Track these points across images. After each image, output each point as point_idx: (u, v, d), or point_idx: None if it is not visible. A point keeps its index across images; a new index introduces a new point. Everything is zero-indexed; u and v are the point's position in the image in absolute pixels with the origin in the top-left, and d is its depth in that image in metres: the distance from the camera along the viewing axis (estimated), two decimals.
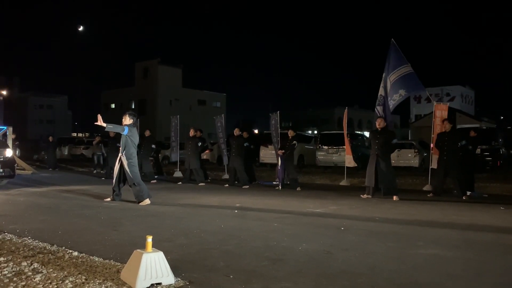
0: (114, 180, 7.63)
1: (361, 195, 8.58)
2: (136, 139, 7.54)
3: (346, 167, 12.22)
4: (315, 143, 19.92)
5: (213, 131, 42.67)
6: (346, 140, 12.08)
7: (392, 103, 9.47)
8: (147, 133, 13.19)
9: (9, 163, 10.02)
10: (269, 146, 18.33)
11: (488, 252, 4.15)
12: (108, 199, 7.68)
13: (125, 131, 7.31)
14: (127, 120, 7.52)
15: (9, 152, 10.22)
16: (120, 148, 7.51)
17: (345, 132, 12.42)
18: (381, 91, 9.77)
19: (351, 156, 11.85)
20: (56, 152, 19.55)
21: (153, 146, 13.26)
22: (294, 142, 10.65)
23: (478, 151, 13.90)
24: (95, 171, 16.26)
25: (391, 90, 9.52)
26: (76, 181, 12.19)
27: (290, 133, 10.82)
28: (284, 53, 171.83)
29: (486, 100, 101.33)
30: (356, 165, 11.92)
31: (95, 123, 7.05)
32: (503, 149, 18.29)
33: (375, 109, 9.91)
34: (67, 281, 3.03)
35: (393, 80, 9.54)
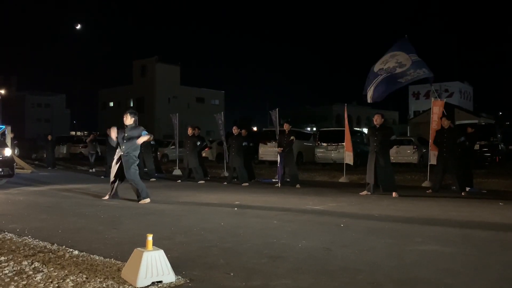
0: (111, 178, 7.64)
1: (360, 193, 8.59)
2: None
3: (345, 164, 12.24)
4: (314, 140, 19.95)
5: (211, 129, 42.80)
6: (347, 137, 12.05)
7: (417, 74, 9.69)
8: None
9: (8, 162, 10.01)
10: (268, 144, 18.38)
11: (487, 248, 4.17)
12: (106, 197, 7.68)
13: (144, 133, 7.51)
14: (129, 119, 7.52)
15: (8, 151, 10.21)
16: (120, 147, 7.49)
17: (346, 128, 12.40)
18: (384, 65, 9.92)
19: (351, 153, 11.84)
20: (54, 151, 19.52)
21: (152, 142, 13.24)
22: (292, 138, 10.66)
23: (477, 147, 13.96)
24: (92, 170, 16.23)
25: (413, 65, 9.73)
26: (75, 180, 12.18)
27: (286, 127, 10.83)
28: (281, 51, 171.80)
29: (485, 96, 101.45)
30: (352, 163, 11.94)
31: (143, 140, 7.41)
32: (501, 145, 18.34)
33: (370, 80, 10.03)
34: (68, 280, 3.04)
35: (414, 60, 9.80)
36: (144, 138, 7.44)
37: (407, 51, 9.96)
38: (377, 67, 10.07)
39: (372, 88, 9.87)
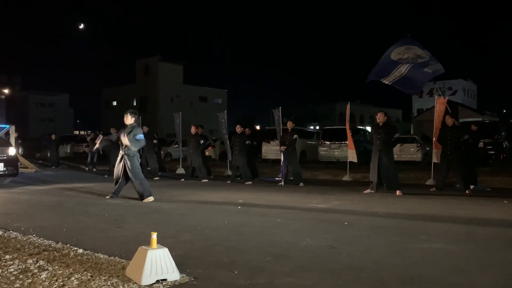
0: (115, 178, 7.65)
1: (363, 191, 8.57)
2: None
3: (349, 162, 12.22)
4: (317, 138, 19.92)
5: (214, 128, 43.04)
6: (349, 135, 12.06)
7: (437, 66, 9.83)
8: (145, 129, 13.12)
9: (12, 162, 10.06)
10: (271, 142, 18.37)
11: (492, 245, 4.15)
12: (108, 197, 7.69)
13: (142, 137, 7.50)
14: (129, 119, 7.54)
15: (12, 151, 10.26)
16: (121, 146, 7.52)
17: (347, 127, 12.39)
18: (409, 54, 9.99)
19: (354, 151, 11.84)
20: (58, 150, 19.55)
21: (155, 141, 13.25)
22: (295, 136, 10.64)
23: (481, 145, 13.90)
24: (87, 169, 16.07)
25: (431, 58, 9.85)
26: (79, 179, 12.22)
27: (289, 124, 10.82)
28: (284, 49, 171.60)
29: (489, 93, 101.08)
30: (356, 161, 11.93)
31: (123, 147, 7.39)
32: (505, 143, 18.25)
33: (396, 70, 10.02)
34: (73, 278, 3.05)
35: (429, 54, 9.91)
36: (126, 141, 7.32)
37: (420, 46, 10.04)
38: (394, 56, 9.98)
39: (401, 73, 9.81)
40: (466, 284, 2.99)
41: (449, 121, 9.00)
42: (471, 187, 8.89)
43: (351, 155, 11.86)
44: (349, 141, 12.02)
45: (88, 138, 17.49)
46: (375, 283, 3.00)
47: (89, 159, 16.69)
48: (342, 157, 16.17)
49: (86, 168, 16.20)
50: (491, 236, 4.58)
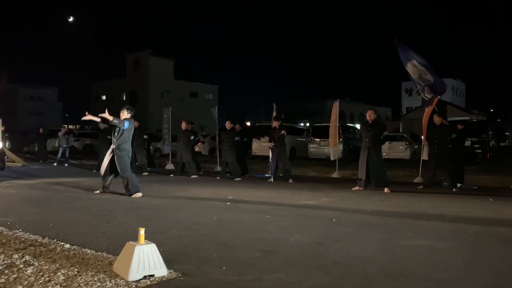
0: (103, 172, 7.59)
1: (352, 188, 8.62)
2: (131, 134, 7.54)
3: (338, 159, 12.30)
4: (307, 135, 19.98)
5: (205, 124, 42.76)
6: (331, 133, 12.26)
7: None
8: (136, 124, 12.97)
9: None
10: (261, 139, 18.39)
11: (478, 242, 4.21)
12: (98, 191, 7.63)
13: (126, 125, 7.30)
14: (125, 114, 7.48)
15: None
16: (113, 140, 7.44)
17: (331, 125, 12.45)
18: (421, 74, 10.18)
19: (335, 149, 12.18)
20: (46, 144, 19.24)
21: (145, 136, 13.16)
22: (283, 132, 10.66)
23: (468, 143, 14.06)
24: (55, 164, 15.44)
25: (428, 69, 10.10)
26: (66, 173, 12.10)
27: (275, 124, 10.82)
28: (275, 45, 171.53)
29: (477, 93, 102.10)
30: (335, 158, 12.18)
31: (101, 115, 7.27)
32: (492, 142, 18.48)
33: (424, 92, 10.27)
34: (59, 274, 3.02)
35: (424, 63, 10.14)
36: (107, 115, 7.09)
37: (414, 58, 10.19)
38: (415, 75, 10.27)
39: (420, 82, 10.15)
40: (452, 280, 3.03)
41: (437, 119, 9.08)
42: (458, 185, 9.00)
43: (333, 153, 12.14)
44: (331, 139, 12.26)
45: (60, 133, 16.59)
46: (363, 279, 3.02)
47: (59, 154, 15.89)
48: None
49: (55, 164, 15.44)
50: (477, 233, 4.64)
